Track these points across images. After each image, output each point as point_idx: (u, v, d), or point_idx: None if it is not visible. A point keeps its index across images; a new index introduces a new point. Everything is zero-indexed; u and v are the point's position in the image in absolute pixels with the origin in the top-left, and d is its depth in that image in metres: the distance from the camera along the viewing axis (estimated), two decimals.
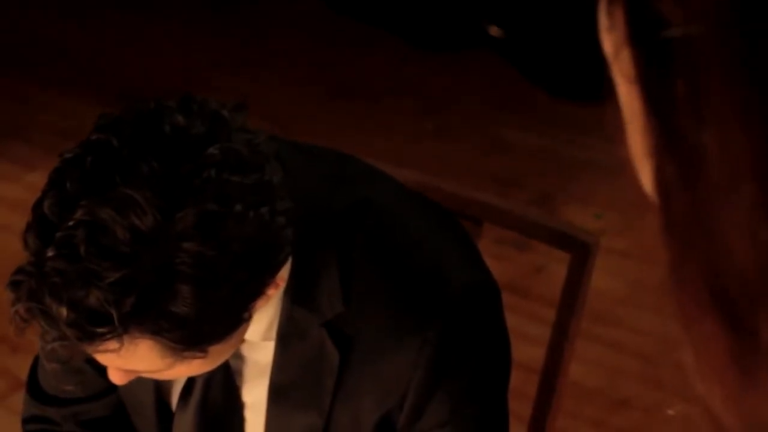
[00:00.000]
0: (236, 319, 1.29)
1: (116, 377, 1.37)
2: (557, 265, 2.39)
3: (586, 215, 3.58)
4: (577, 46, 4.00)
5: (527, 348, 2.35)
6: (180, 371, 1.34)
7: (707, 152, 0.47)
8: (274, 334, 1.44)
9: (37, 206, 1.23)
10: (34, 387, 1.66)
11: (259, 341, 1.46)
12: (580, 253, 1.73)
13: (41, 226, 1.21)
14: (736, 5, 0.45)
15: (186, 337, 1.24)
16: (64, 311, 1.19)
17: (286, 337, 1.44)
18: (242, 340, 1.41)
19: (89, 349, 1.25)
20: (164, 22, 4.82)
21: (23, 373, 1.71)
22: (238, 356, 1.50)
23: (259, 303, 1.31)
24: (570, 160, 3.93)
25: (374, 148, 3.53)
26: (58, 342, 1.22)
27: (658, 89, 0.48)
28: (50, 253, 1.19)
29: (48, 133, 4.04)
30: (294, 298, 1.41)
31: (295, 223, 1.32)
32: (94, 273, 1.18)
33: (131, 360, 1.27)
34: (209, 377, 1.50)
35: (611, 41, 0.51)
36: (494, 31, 4.34)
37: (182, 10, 4.90)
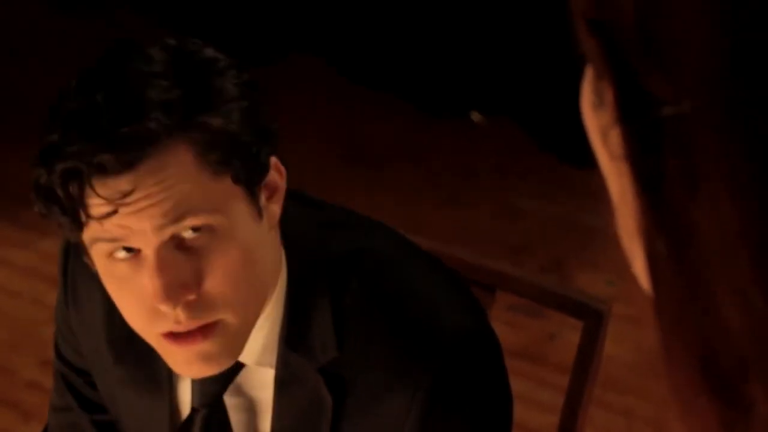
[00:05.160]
0: (262, 163, 1.36)
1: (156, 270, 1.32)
2: (570, 332, 2.38)
3: (598, 281, 3.58)
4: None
5: (540, 415, 2.34)
6: (216, 260, 1.32)
7: (699, 227, 0.47)
8: (269, 359, 1.44)
9: (55, 108, 1.42)
10: None
11: (254, 367, 1.45)
12: (593, 320, 1.73)
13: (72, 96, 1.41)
14: (725, 81, 0.45)
15: (220, 145, 1.30)
16: (105, 115, 1.29)
17: (284, 384, 1.44)
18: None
19: (126, 180, 1.28)
20: None
21: None
22: (237, 394, 1.48)
23: (273, 209, 1.37)
24: (582, 227, 3.93)
25: (386, 215, 3.54)
26: (94, 170, 1.31)
27: (649, 167, 0.48)
28: (98, 96, 1.32)
29: None
30: (289, 343, 1.42)
31: (288, 267, 1.35)
32: (143, 78, 1.29)
33: (167, 178, 1.28)
34: (206, 424, 1.49)
35: (599, 120, 0.51)
36: (476, 117, 4.39)
37: None
